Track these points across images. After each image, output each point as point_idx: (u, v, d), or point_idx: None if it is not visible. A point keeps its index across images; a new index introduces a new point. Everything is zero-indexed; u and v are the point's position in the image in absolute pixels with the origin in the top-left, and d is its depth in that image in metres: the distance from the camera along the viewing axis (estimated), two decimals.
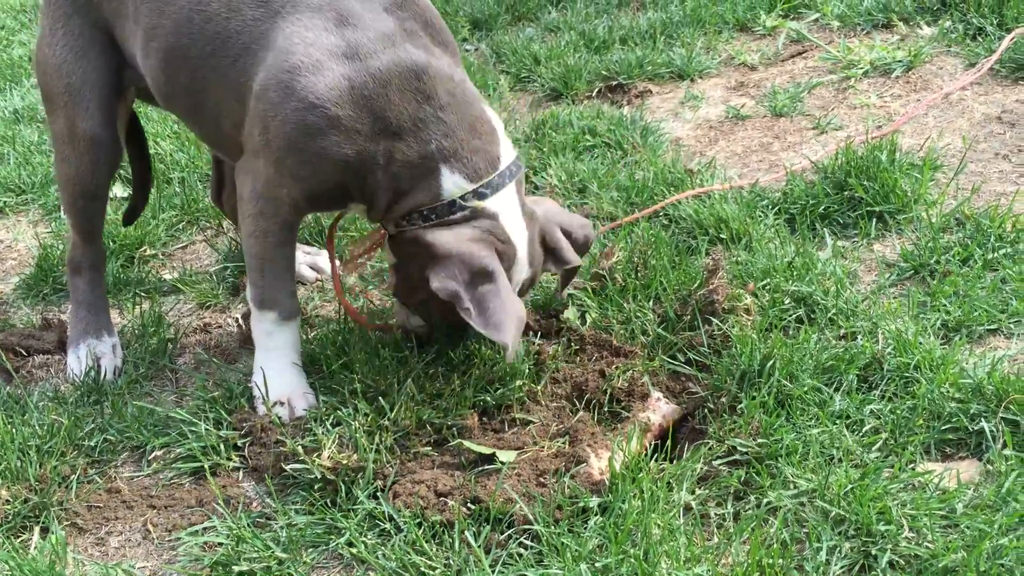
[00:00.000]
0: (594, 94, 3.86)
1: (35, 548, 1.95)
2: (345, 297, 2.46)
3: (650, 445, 2.12)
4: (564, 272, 2.37)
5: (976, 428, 1.95)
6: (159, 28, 2.26)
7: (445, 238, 2.09)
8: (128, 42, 2.40)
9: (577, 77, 3.89)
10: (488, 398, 2.20)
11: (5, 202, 3.51)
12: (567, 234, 2.33)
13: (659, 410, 2.18)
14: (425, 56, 2.11)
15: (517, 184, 2.19)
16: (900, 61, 3.66)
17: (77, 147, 2.46)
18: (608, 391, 2.19)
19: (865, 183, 2.79)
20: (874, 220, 2.73)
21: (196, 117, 2.36)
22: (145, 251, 3.10)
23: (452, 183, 2.11)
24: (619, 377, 2.21)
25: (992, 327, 2.26)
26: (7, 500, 2.03)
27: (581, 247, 2.36)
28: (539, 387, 2.24)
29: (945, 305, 2.32)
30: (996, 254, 2.47)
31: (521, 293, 2.24)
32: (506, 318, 2.02)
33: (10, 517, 2.02)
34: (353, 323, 2.48)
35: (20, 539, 1.99)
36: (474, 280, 2.04)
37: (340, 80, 2.06)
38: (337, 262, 2.52)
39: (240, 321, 2.68)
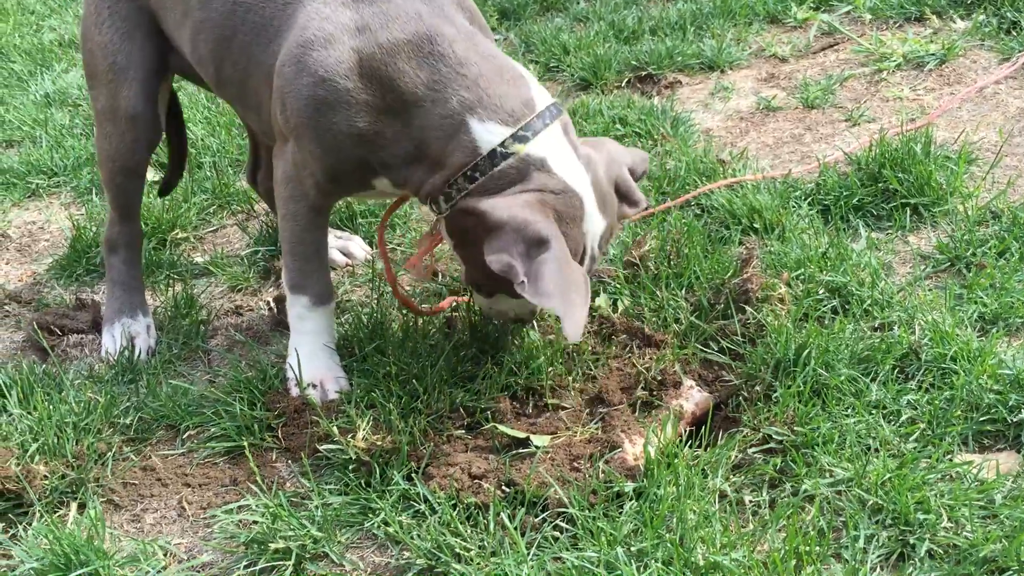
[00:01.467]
0: (623, 84, 3.85)
1: (72, 523, 1.97)
2: (391, 286, 2.42)
3: (684, 433, 2.11)
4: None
5: (1015, 420, 1.94)
6: (207, 22, 2.29)
7: (497, 205, 1.97)
8: (175, 33, 2.43)
9: (607, 67, 3.88)
10: (519, 381, 2.20)
11: (38, 184, 3.54)
12: (632, 173, 2.22)
13: (692, 398, 2.18)
14: (440, 21, 2.07)
15: (563, 127, 2.08)
16: (933, 54, 3.63)
17: (118, 124, 2.48)
18: (641, 380, 2.19)
19: (900, 175, 2.78)
20: (908, 212, 2.71)
21: (243, 104, 2.39)
22: (177, 234, 3.12)
23: (485, 132, 2.02)
24: (653, 367, 2.20)
25: None
26: (45, 476, 2.05)
27: (639, 180, 2.26)
28: (571, 375, 2.24)
29: (982, 297, 2.31)
30: None
31: (602, 246, 2.13)
32: (560, 285, 1.89)
33: (48, 492, 2.04)
34: (386, 307, 2.49)
35: (58, 514, 2.01)
36: (529, 250, 1.92)
37: (349, 53, 2.05)
38: (391, 256, 2.49)
39: (272, 304, 2.70)
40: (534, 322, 2.35)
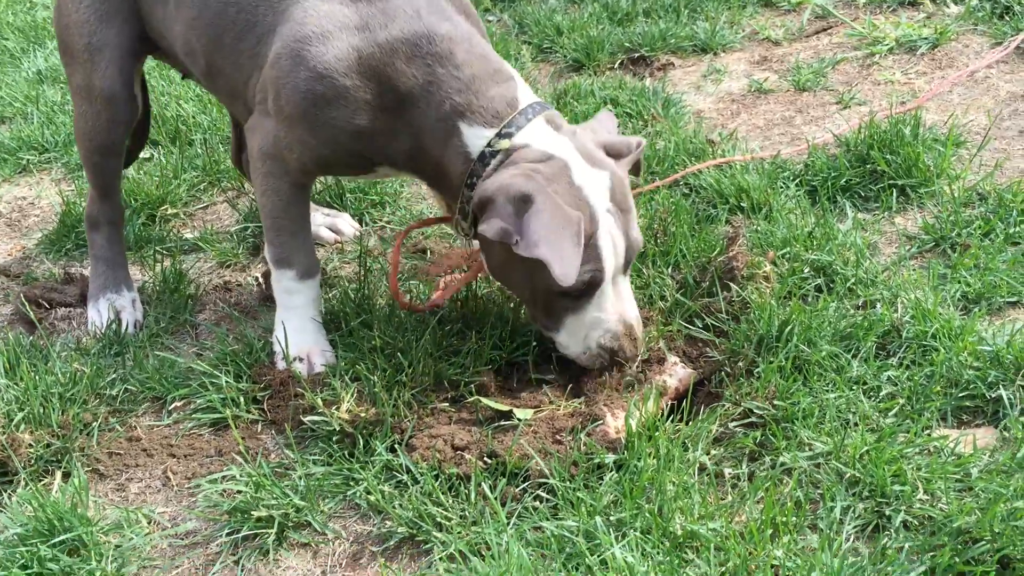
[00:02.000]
0: (616, 66, 3.85)
1: (57, 491, 1.98)
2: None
3: (666, 408, 2.13)
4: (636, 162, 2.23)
5: (994, 396, 1.95)
6: (198, 20, 2.30)
7: (485, 183, 2.02)
8: (162, 25, 2.42)
9: (599, 49, 3.88)
10: (503, 355, 2.21)
11: (29, 160, 3.54)
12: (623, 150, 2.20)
13: (675, 374, 2.19)
14: (439, 21, 2.10)
15: (547, 120, 2.10)
16: (926, 38, 3.63)
17: (94, 104, 2.48)
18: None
19: (888, 156, 2.78)
20: (896, 193, 2.72)
21: (231, 95, 2.39)
22: (167, 210, 3.12)
23: (476, 137, 2.07)
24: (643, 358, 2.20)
25: (1012, 299, 2.26)
26: (30, 444, 2.06)
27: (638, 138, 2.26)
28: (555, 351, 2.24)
29: (965, 277, 2.32)
30: (1018, 228, 2.47)
31: (615, 198, 2.06)
32: (546, 233, 1.89)
33: (33, 460, 2.05)
34: (374, 283, 2.49)
35: (43, 482, 2.02)
36: (517, 210, 1.92)
37: (348, 51, 2.07)
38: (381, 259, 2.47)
39: (260, 280, 2.71)
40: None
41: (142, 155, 3.42)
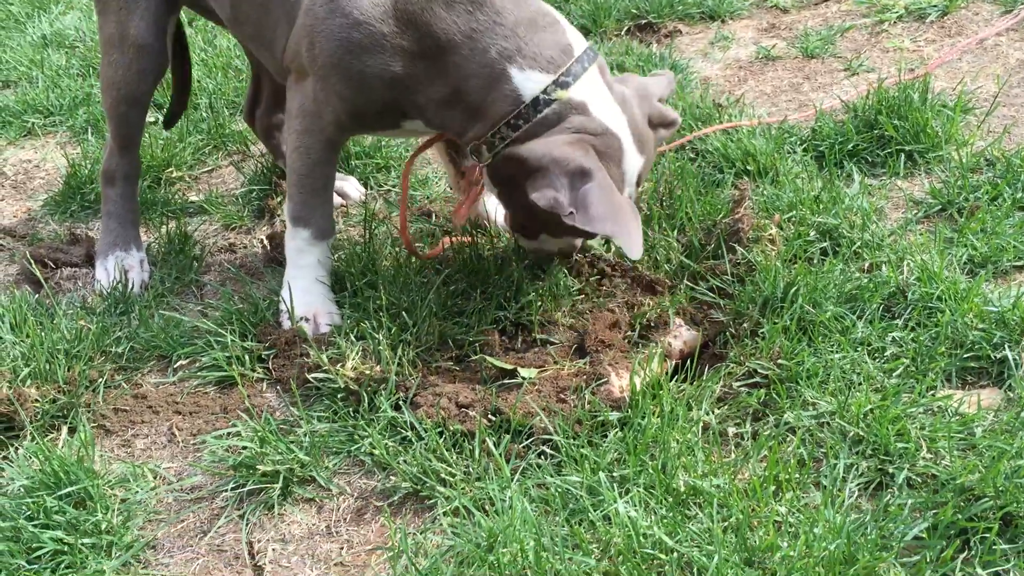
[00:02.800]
0: (623, 32, 3.82)
1: (63, 445, 1.99)
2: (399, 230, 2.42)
3: (670, 368, 2.13)
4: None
5: (999, 356, 1.95)
6: None
7: (536, 147, 2.01)
8: None
9: (606, 15, 3.85)
10: (508, 315, 2.21)
11: (34, 123, 3.53)
12: (661, 100, 2.29)
13: (680, 336, 2.19)
14: None
15: (600, 69, 2.11)
16: (935, 6, 3.61)
17: (126, 52, 2.48)
18: (634, 322, 2.20)
19: (896, 122, 2.77)
20: (903, 158, 2.71)
21: (258, 41, 2.38)
22: (172, 173, 3.12)
23: (528, 80, 2.04)
24: (649, 311, 2.20)
25: (1019, 263, 2.25)
26: (36, 399, 2.07)
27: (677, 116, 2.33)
28: (559, 311, 2.24)
29: (972, 241, 2.31)
30: None
31: (638, 183, 2.17)
32: (611, 209, 1.94)
33: (39, 416, 2.06)
34: (379, 245, 2.49)
35: (49, 437, 2.03)
36: (572, 183, 1.95)
37: None
38: (408, 201, 2.49)
39: (265, 242, 2.70)
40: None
41: (149, 119, 3.43)
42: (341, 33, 2.07)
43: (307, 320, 2.28)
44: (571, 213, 1.94)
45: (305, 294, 2.30)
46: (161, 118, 3.41)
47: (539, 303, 2.24)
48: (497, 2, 2.06)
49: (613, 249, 2.44)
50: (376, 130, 2.34)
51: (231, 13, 2.37)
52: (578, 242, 2.29)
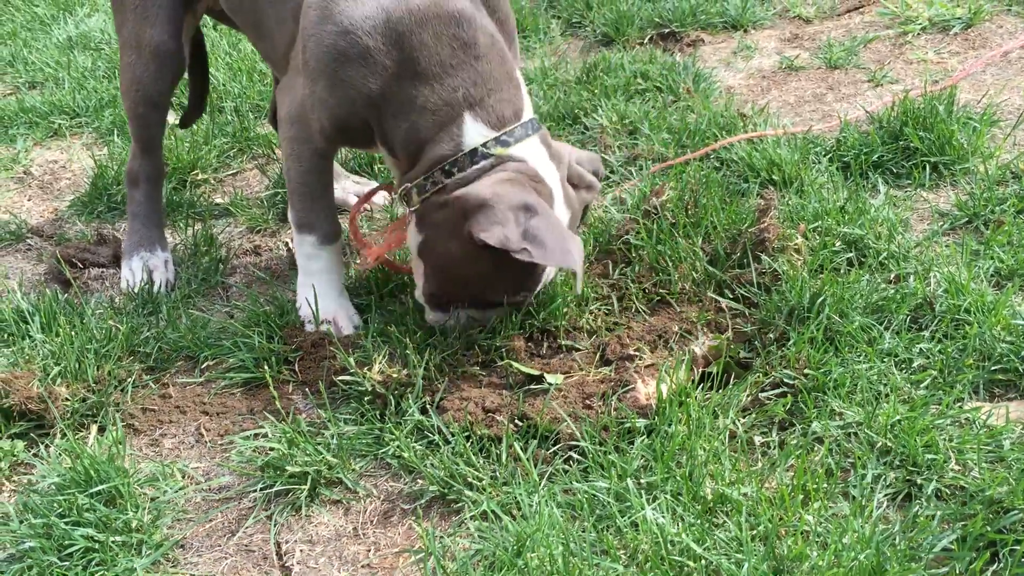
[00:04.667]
0: (646, 41, 3.83)
1: (93, 443, 2.00)
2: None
3: (696, 376, 2.13)
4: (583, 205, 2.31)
5: None
6: None
7: (477, 186, 2.02)
8: None
9: (629, 24, 3.86)
10: (535, 323, 2.22)
11: (60, 124, 3.56)
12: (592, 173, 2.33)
13: (705, 345, 2.19)
14: (474, 10, 2.10)
15: (541, 138, 2.14)
16: (959, 18, 3.61)
17: (143, 54, 2.50)
18: (659, 336, 2.20)
19: (921, 133, 2.77)
20: (928, 170, 2.71)
21: (257, 31, 2.41)
22: (197, 175, 3.14)
23: (475, 131, 2.07)
24: (674, 327, 2.20)
25: None
26: (66, 398, 2.09)
27: (597, 181, 2.35)
28: (584, 317, 2.25)
29: (998, 253, 2.31)
30: None
31: None
32: (565, 242, 1.97)
33: (69, 414, 2.08)
34: (404, 250, 2.51)
35: (78, 436, 2.05)
36: (518, 218, 1.96)
37: (377, 11, 2.06)
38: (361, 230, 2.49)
39: (290, 244, 2.72)
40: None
41: (173, 121, 3.46)
42: (329, 40, 2.08)
43: (327, 323, 2.29)
44: (525, 249, 1.94)
45: (322, 299, 2.31)
46: (176, 121, 3.45)
47: (565, 310, 2.24)
48: (482, 47, 2.08)
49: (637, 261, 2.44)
50: (360, 146, 2.35)
51: (250, 22, 2.40)
52: (490, 314, 2.21)
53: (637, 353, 2.14)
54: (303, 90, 2.19)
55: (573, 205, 2.20)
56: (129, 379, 2.19)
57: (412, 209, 2.15)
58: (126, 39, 2.53)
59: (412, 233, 2.17)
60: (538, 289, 2.19)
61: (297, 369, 2.21)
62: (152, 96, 2.55)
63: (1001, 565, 1.58)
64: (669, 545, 1.63)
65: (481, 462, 1.88)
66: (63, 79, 3.90)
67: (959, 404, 1.91)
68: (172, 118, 3.47)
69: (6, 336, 2.33)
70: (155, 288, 2.54)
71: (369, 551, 1.79)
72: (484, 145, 2.07)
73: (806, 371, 2.00)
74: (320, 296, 2.30)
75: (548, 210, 2.02)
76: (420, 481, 1.89)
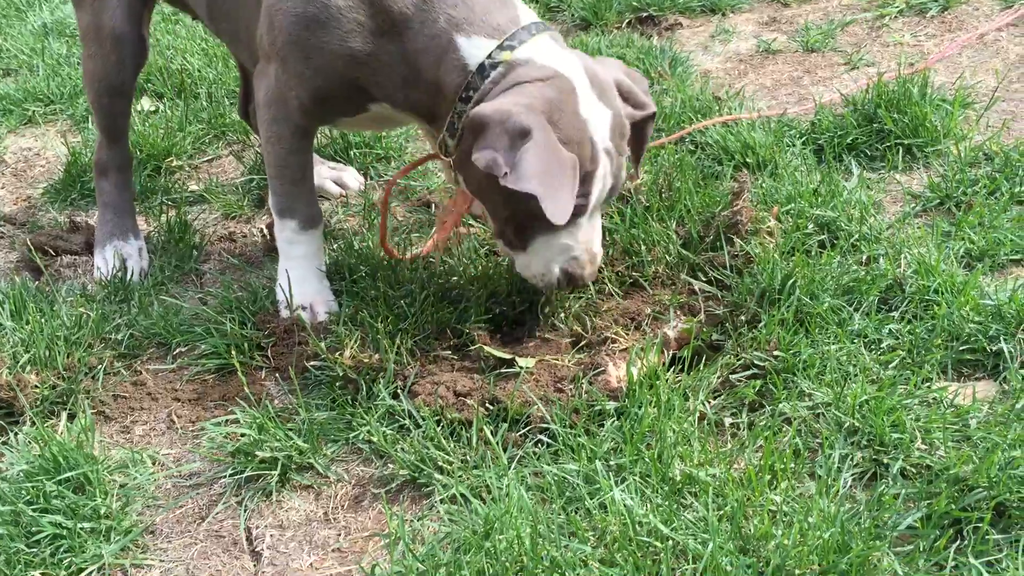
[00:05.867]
0: (624, 25, 3.82)
1: (63, 431, 2.00)
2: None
3: (667, 359, 2.13)
4: (640, 125, 2.18)
5: (995, 349, 1.96)
6: None
7: (482, 107, 1.95)
8: None
9: (607, 7, 3.85)
10: (507, 309, 2.22)
11: (34, 111, 3.53)
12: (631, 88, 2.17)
13: (677, 327, 2.20)
14: None
15: (551, 37, 2.06)
16: (936, 1, 3.61)
17: (103, 44, 2.48)
18: (631, 319, 2.20)
19: (895, 116, 2.77)
20: (902, 152, 2.72)
21: (234, 38, 2.40)
22: (172, 161, 3.12)
23: (473, 47, 2.01)
24: (646, 310, 2.20)
25: (1016, 257, 2.26)
26: (35, 385, 2.08)
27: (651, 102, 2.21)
28: (557, 301, 2.25)
29: (969, 234, 2.32)
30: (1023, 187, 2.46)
31: (614, 140, 2.04)
32: (541, 170, 1.86)
33: (39, 402, 2.07)
34: (376, 236, 2.50)
35: (48, 423, 2.04)
36: (513, 144, 1.88)
37: None
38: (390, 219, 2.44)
39: (265, 231, 2.71)
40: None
41: (148, 108, 3.44)
42: (298, 8, 2.06)
43: (304, 309, 2.28)
44: (506, 173, 1.87)
45: (301, 283, 2.30)
46: (161, 107, 3.43)
47: (540, 300, 2.24)
48: None
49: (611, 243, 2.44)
50: (344, 114, 2.27)
51: (208, 12, 2.38)
52: (591, 253, 2.10)
53: (613, 336, 2.14)
54: (275, 70, 2.16)
55: (612, 103, 2.05)
56: (100, 366, 2.18)
57: (452, 157, 2.09)
58: (86, 29, 2.51)
59: (463, 185, 2.14)
60: (601, 192, 2.06)
61: (269, 355, 2.20)
62: (115, 85, 2.53)
63: (965, 543, 1.59)
64: (637, 526, 1.64)
65: (452, 446, 1.88)
66: (37, 66, 3.86)
67: (927, 384, 1.92)
68: (148, 104, 3.47)
69: None
70: (128, 277, 2.52)
71: (339, 535, 1.79)
72: (489, 56, 2.00)
73: (776, 353, 2.00)
74: (299, 281, 2.29)
75: (545, 135, 1.89)
76: (391, 465, 1.89)
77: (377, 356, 2.07)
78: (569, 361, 2.09)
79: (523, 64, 2.00)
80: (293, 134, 2.23)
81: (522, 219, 2.04)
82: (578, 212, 2.01)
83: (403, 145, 3.11)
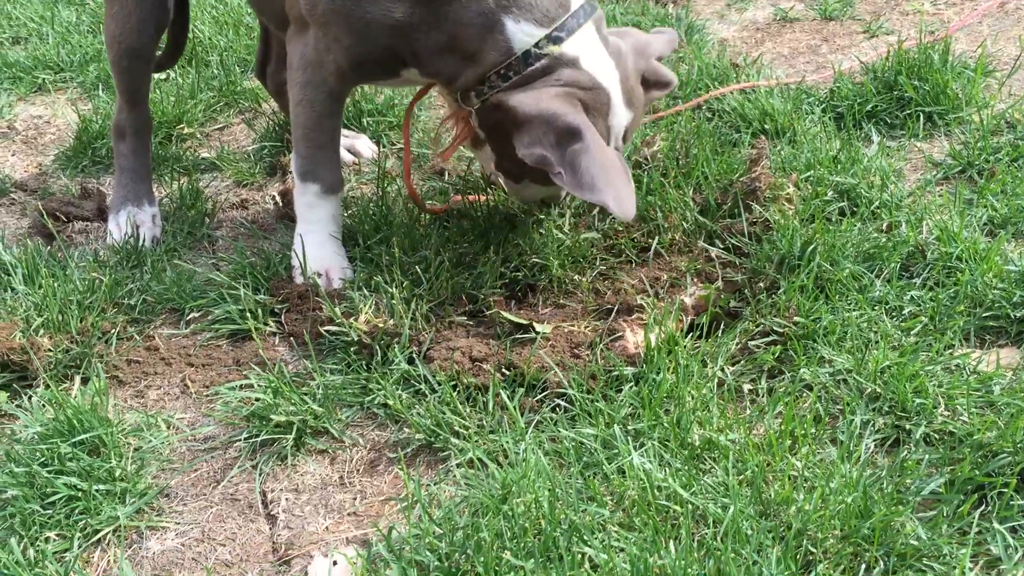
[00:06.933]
0: None
1: (77, 394, 1.99)
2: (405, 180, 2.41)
3: (685, 325, 2.11)
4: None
5: (1018, 316, 1.93)
6: None
7: (525, 100, 2.00)
8: None
9: None
10: (521, 275, 2.20)
11: (44, 79, 3.51)
12: (659, 59, 2.27)
13: (695, 294, 2.17)
14: None
15: (596, 23, 2.09)
16: None
17: (126, 5, 2.45)
18: (649, 285, 2.18)
19: (916, 83, 2.73)
20: (922, 120, 2.68)
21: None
22: (183, 129, 3.10)
23: (521, 33, 2.02)
24: (664, 276, 2.18)
25: None
26: (49, 349, 2.06)
27: (674, 77, 2.32)
28: (573, 267, 2.23)
29: (991, 202, 2.28)
30: None
31: (624, 138, 2.17)
32: (601, 174, 1.92)
33: (52, 365, 2.06)
34: (391, 201, 2.48)
35: (62, 387, 2.03)
36: (560, 141, 1.95)
37: None
38: (411, 148, 2.48)
39: (277, 198, 2.69)
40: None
41: (159, 76, 3.41)
42: None
43: (320, 275, 2.27)
44: (559, 173, 1.95)
45: (318, 249, 2.28)
46: (172, 74, 3.40)
47: (557, 263, 2.22)
48: None
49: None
50: (377, 79, 2.31)
51: None
52: (563, 191, 2.27)
53: (630, 302, 2.11)
54: (314, 35, 2.14)
55: (636, 104, 2.16)
56: (113, 331, 2.16)
57: (470, 108, 2.13)
58: None
59: (475, 126, 2.19)
60: (617, 140, 2.14)
61: (283, 321, 2.19)
62: (136, 48, 2.51)
63: (989, 508, 1.57)
64: (656, 491, 1.62)
65: (468, 411, 1.87)
66: (47, 34, 3.84)
67: (949, 350, 1.90)
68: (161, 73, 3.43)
69: None
70: (140, 243, 2.50)
71: (355, 499, 1.78)
72: (537, 45, 2.02)
73: (796, 319, 1.98)
74: (316, 246, 2.28)
75: (593, 137, 1.96)
76: (406, 430, 1.88)
77: (392, 321, 2.05)
78: (586, 327, 2.07)
79: (568, 65, 2.04)
80: (328, 97, 2.22)
81: (526, 166, 2.10)
82: None
83: (415, 114, 3.08)
